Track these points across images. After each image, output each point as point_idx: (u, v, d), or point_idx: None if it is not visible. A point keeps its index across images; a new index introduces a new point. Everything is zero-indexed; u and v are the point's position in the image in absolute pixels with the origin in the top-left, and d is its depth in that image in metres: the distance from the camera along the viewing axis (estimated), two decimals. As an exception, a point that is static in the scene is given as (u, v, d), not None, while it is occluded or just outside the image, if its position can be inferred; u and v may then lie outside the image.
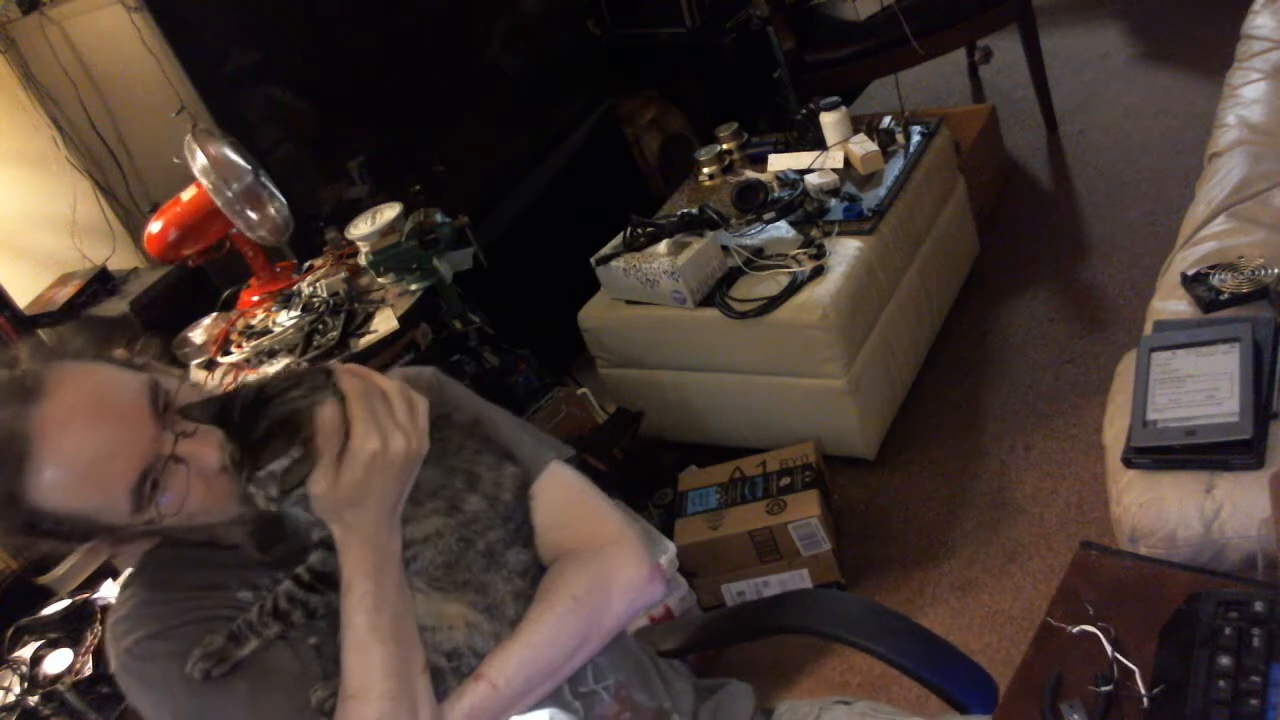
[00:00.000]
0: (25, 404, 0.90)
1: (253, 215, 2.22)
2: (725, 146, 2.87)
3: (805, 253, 2.43)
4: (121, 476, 0.91)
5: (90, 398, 0.93)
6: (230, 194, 2.16)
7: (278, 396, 0.93)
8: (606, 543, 1.07)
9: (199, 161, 2.15)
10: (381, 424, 0.93)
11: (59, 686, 1.81)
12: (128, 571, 1.06)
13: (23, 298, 2.59)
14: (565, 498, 1.09)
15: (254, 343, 2.23)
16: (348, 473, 0.92)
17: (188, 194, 2.27)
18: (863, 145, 2.67)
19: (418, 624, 0.97)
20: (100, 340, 1.01)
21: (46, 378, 0.92)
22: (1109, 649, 0.97)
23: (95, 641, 1.88)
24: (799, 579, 2.26)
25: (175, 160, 2.19)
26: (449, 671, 0.98)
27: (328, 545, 0.97)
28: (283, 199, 2.31)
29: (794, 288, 2.36)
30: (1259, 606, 0.94)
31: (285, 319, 2.27)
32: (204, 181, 2.17)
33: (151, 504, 0.93)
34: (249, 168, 2.23)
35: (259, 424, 0.91)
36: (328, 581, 0.97)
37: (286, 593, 0.97)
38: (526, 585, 1.03)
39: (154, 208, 2.41)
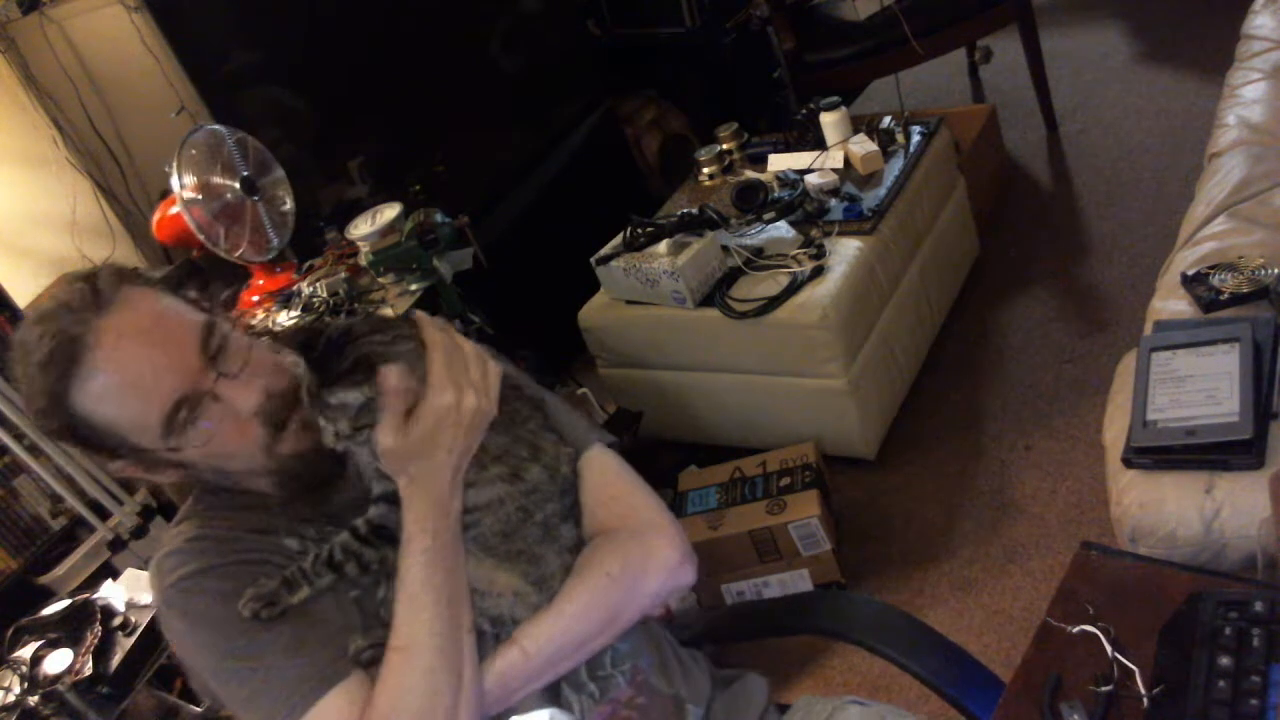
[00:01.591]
0: (91, 314, 0.96)
1: (229, 238, 2.22)
2: (725, 146, 2.87)
3: (805, 253, 2.43)
4: (159, 398, 0.96)
5: (149, 319, 0.98)
6: (199, 221, 2.17)
7: (364, 338, 0.96)
8: (644, 525, 1.10)
9: (174, 183, 2.16)
10: (458, 380, 0.97)
11: (59, 686, 1.81)
12: (182, 509, 1.10)
13: (23, 298, 2.59)
14: (607, 479, 1.12)
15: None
16: (419, 424, 0.95)
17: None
18: (863, 145, 2.67)
19: (469, 586, 1.00)
20: (173, 282, 1.06)
21: (117, 295, 0.98)
22: (1109, 649, 0.97)
23: (95, 641, 1.88)
24: (799, 579, 2.26)
25: (166, 169, 2.19)
26: (490, 636, 1.01)
27: (388, 500, 0.99)
28: (288, 202, 2.30)
29: (794, 288, 2.36)
30: (1259, 606, 0.94)
31: (285, 319, 2.28)
32: (179, 203, 2.18)
33: (182, 433, 0.97)
34: (235, 184, 2.23)
35: (342, 359, 0.95)
36: (384, 536, 0.99)
37: (343, 544, 0.99)
38: (574, 561, 1.06)
39: (164, 194, 2.41)
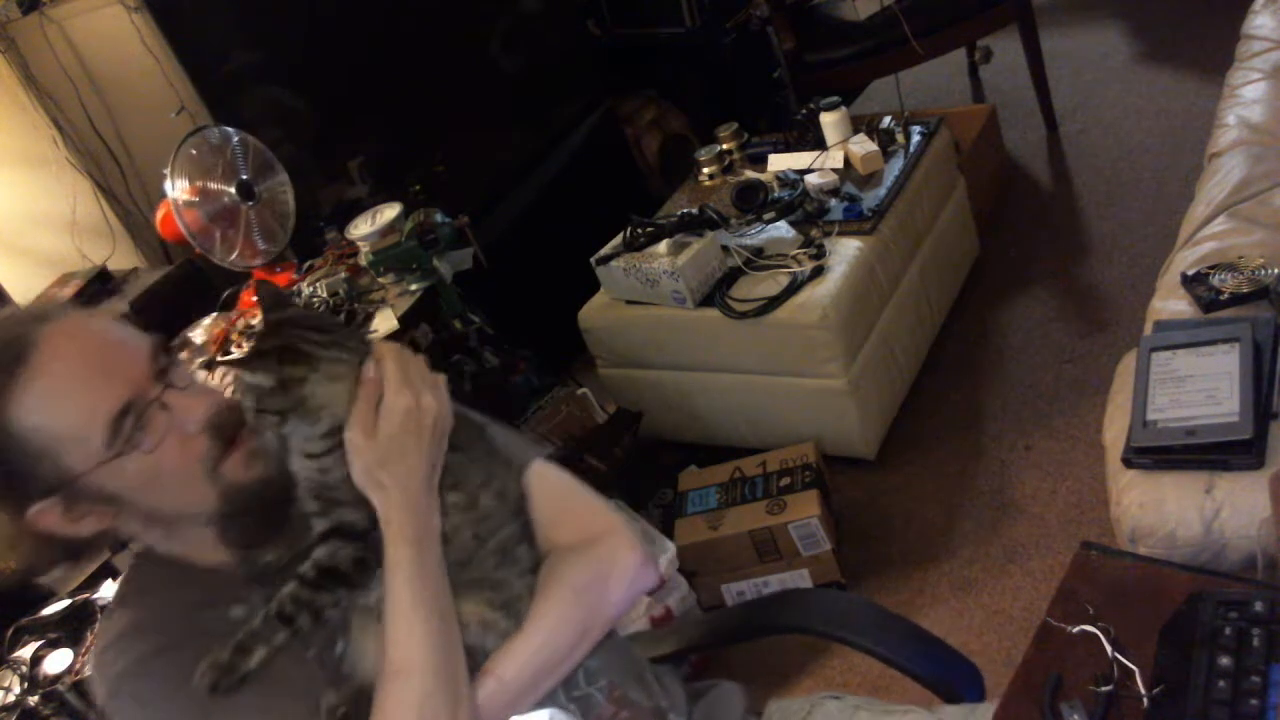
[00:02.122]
0: (41, 320, 0.94)
1: (225, 241, 2.22)
2: (725, 146, 2.87)
3: (805, 253, 2.43)
4: (106, 400, 0.92)
5: (100, 326, 0.97)
6: (193, 226, 2.16)
7: (302, 329, 0.96)
8: (599, 532, 1.08)
9: (168, 187, 2.16)
10: (414, 383, 0.96)
11: (59, 686, 1.81)
12: (112, 599, 1.03)
13: (23, 298, 2.59)
14: (554, 492, 1.10)
15: (254, 343, 2.23)
16: (382, 425, 0.94)
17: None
18: (863, 145, 2.67)
19: None
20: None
21: (69, 310, 0.97)
22: (1109, 649, 0.97)
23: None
24: (799, 579, 2.26)
25: (164, 172, 2.19)
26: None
27: (339, 534, 0.96)
28: (290, 204, 2.30)
29: (794, 288, 2.36)
30: (1259, 606, 0.94)
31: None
32: (172, 207, 2.18)
33: (128, 442, 0.92)
34: (230, 189, 2.23)
35: (276, 336, 0.95)
36: (336, 578, 0.95)
37: (292, 595, 0.94)
38: (534, 581, 1.04)
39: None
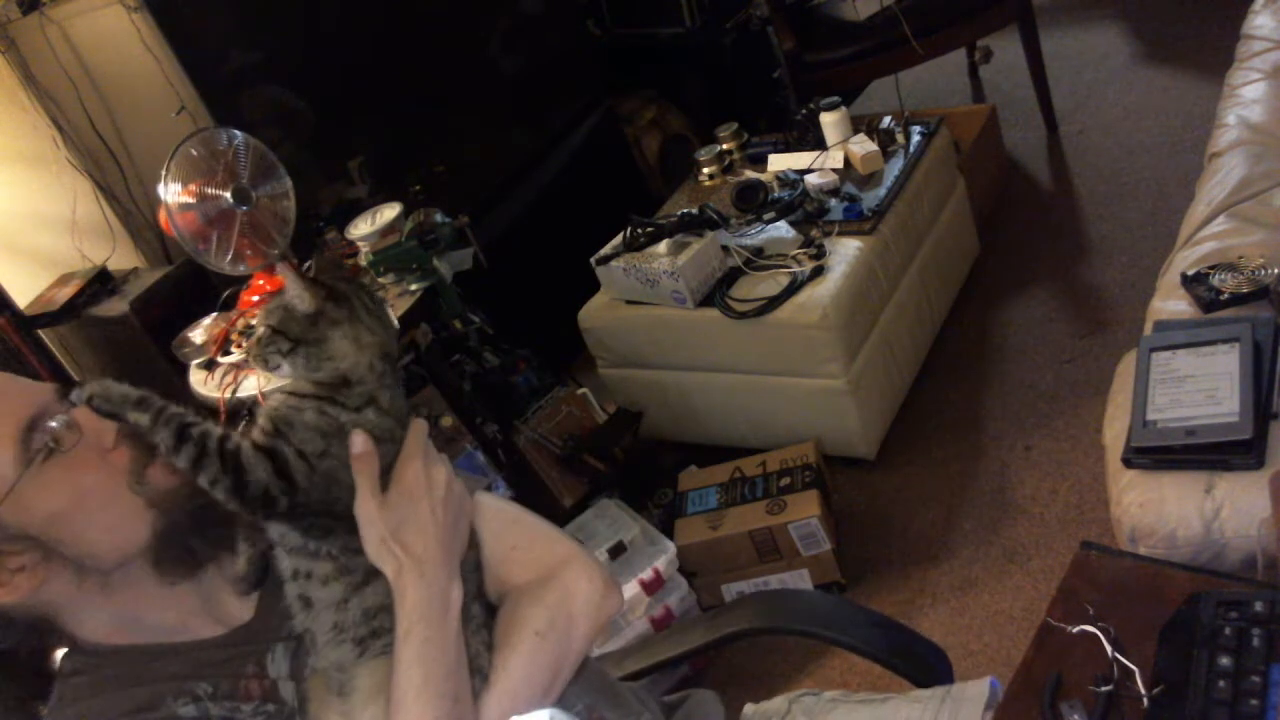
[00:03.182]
0: None
1: (221, 244, 2.21)
2: (725, 146, 2.87)
3: (805, 253, 2.43)
4: (11, 416, 0.86)
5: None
6: (187, 229, 2.15)
7: (367, 297, 0.95)
8: (554, 565, 1.04)
9: (161, 190, 2.15)
10: (427, 453, 0.95)
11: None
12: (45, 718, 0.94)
13: (23, 298, 2.59)
14: (499, 528, 1.05)
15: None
16: (394, 492, 0.92)
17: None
18: (863, 145, 2.67)
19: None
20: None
21: None
22: (1109, 649, 0.97)
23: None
24: (799, 579, 2.26)
25: (161, 172, 2.18)
26: None
27: (274, 456, 0.88)
28: (290, 210, 2.30)
29: (794, 288, 2.36)
30: (1259, 607, 0.94)
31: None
32: (165, 210, 2.17)
33: (44, 461, 0.86)
34: (226, 194, 2.22)
35: (336, 283, 0.94)
36: (256, 494, 0.86)
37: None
38: (490, 635, 1.00)
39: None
